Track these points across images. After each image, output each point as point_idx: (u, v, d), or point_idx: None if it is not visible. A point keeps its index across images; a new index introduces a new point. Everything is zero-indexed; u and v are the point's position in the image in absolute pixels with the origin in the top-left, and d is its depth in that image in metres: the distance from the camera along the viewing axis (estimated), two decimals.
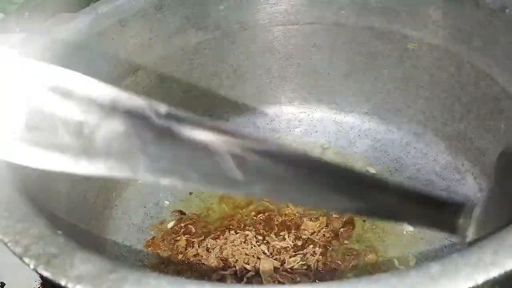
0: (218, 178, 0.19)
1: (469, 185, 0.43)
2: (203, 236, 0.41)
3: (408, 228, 0.41)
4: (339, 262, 0.38)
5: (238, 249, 0.39)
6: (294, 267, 0.38)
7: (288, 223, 0.41)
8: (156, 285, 0.19)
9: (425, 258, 0.39)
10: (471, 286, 0.19)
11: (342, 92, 0.50)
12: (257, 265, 0.38)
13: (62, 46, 0.37)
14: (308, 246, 0.39)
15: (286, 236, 0.40)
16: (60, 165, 0.17)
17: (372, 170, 0.47)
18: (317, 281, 0.37)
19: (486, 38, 0.39)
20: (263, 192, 0.20)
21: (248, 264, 0.38)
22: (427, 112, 0.46)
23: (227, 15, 0.46)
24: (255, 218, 0.42)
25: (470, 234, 0.22)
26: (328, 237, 0.40)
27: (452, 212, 0.24)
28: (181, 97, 0.48)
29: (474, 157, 0.43)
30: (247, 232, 0.40)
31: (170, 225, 0.43)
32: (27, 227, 0.22)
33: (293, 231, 0.40)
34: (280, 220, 0.41)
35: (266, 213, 0.42)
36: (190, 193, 0.45)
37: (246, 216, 0.43)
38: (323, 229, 0.40)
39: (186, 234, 0.41)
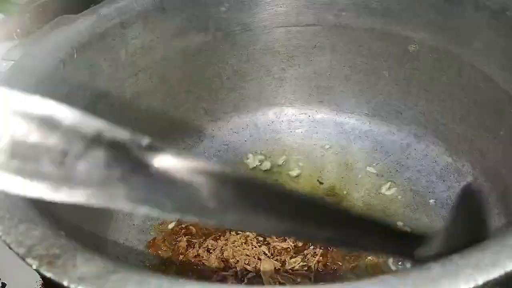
0: (191, 207, 0.20)
1: None
2: (203, 237, 0.41)
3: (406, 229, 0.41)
4: (339, 263, 0.38)
5: (239, 250, 0.39)
6: (295, 268, 0.38)
7: None
8: (158, 286, 0.19)
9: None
10: (471, 287, 0.19)
11: (343, 94, 0.50)
12: (258, 266, 0.38)
13: (63, 48, 0.37)
14: (309, 247, 0.39)
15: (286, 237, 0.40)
16: (41, 193, 0.17)
17: (372, 171, 0.47)
18: (317, 282, 0.37)
19: (486, 39, 0.39)
20: (235, 221, 0.21)
21: (249, 265, 0.38)
22: (428, 113, 0.47)
23: (228, 17, 0.46)
24: None
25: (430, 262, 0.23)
26: None
27: (411, 243, 0.26)
28: (182, 98, 0.48)
29: (475, 158, 0.43)
30: (247, 233, 0.40)
31: (171, 226, 0.43)
32: (30, 228, 0.22)
33: None
34: None
35: None
36: None
37: None
38: None
39: (187, 235, 0.41)
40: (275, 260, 0.38)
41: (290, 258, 0.38)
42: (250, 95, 0.51)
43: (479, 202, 0.27)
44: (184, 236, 0.41)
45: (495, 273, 0.19)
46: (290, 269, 0.38)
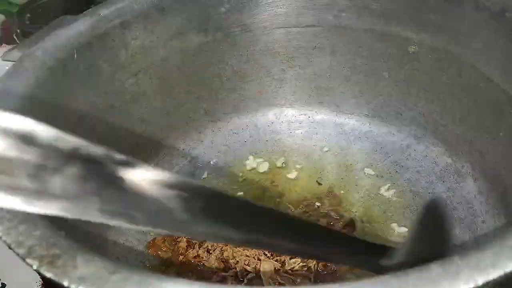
0: (162, 219, 0.21)
1: (469, 188, 0.43)
2: None
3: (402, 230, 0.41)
4: None
5: (238, 251, 0.39)
6: (295, 269, 0.38)
7: None
8: (158, 287, 0.19)
9: None
10: (471, 287, 0.19)
11: (343, 95, 0.50)
12: (258, 266, 0.38)
13: (64, 50, 0.37)
14: None
15: None
16: (15, 204, 0.18)
17: (372, 172, 0.47)
18: (317, 282, 0.37)
19: (486, 40, 0.39)
20: (205, 232, 0.22)
21: (249, 266, 0.38)
22: (427, 114, 0.47)
23: (228, 18, 0.46)
24: None
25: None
26: None
27: (376, 254, 0.27)
28: (182, 98, 0.48)
29: (474, 159, 0.43)
30: None
31: None
32: (30, 229, 0.22)
33: None
34: None
35: None
36: None
37: None
38: None
39: None
40: (275, 261, 0.38)
41: (290, 258, 0.38)
42: (250, 95, 0.51)
43: (442, 215, 0.29)
44: (184, 237, 0.41)
45: (495, 274, 0.19)
46: (290, 269, 0.38)
